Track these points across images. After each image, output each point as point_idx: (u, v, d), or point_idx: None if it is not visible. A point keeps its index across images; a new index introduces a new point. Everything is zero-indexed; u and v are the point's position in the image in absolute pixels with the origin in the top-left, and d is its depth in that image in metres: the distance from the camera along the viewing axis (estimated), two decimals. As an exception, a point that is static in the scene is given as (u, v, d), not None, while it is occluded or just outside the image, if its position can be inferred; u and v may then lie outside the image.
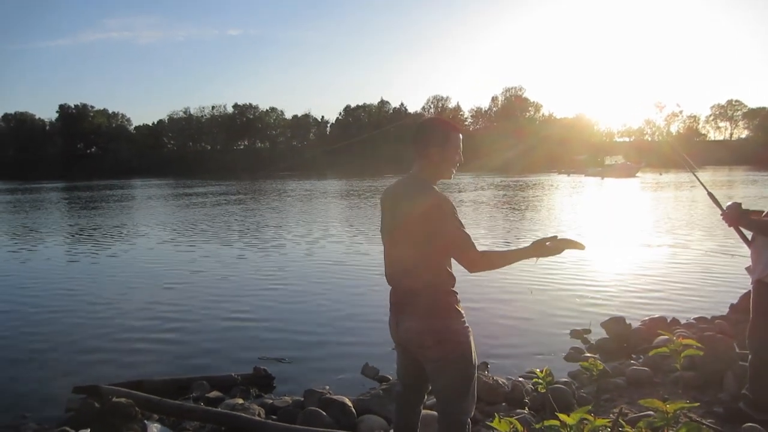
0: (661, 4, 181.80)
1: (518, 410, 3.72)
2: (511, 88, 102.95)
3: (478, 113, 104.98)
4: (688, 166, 3.76)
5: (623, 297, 7.07)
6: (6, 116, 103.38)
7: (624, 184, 36.65)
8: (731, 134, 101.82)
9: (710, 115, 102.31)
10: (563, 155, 62.39)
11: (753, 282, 3.27)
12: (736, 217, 3.23)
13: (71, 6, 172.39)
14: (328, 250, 11.42)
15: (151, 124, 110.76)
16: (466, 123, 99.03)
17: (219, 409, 3.88)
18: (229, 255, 11.19)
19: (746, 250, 3.39)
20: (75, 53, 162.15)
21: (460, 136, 2.41)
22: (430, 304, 2.28)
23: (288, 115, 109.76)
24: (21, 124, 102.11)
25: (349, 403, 3.79)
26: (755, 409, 3.23)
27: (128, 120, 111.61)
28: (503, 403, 3.89)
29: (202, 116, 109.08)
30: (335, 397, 3.87)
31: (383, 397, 3.84)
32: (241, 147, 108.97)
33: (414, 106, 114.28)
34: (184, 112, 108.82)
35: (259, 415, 3.84)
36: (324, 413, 3.66)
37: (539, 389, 2.84)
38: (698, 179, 3.69)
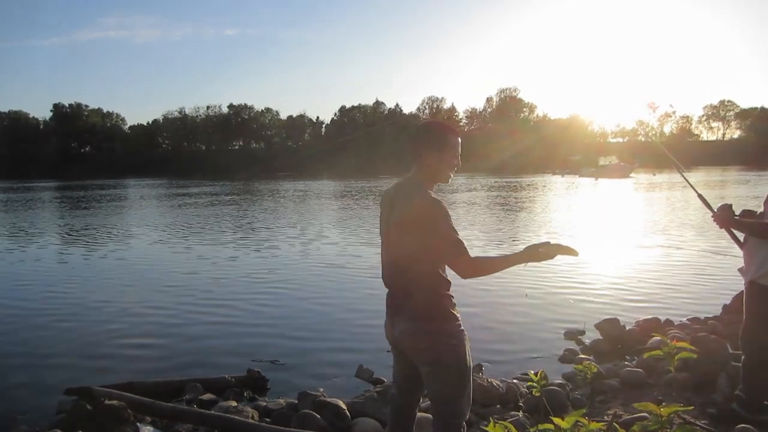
0: (654, 6, 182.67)
1: (513, 412, 3.72)
2: (506, 89, 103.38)
3: (472, 114, 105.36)
4: (677, 168, 3.77)
5: (617, 298, 7.09)
6: None
7: (618, 185, 36.81)
8: (724, 134, 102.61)
9: (703, 116, 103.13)
10: (557, 156, 62.62)
11: (746, 283, 3.28)
12: (727, 218, 3.24)
13: (67, 4, 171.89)
14: (322, 252, 11.40)
15: (145, 124, 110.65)
16: (461, 124, 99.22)
17: (212, 412, 3.86)
18: (222, 256, 11.15)
19: (738, 251, 3.40)
20: (70, 52, 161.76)
21: (459, 139, 2.41)
22: (425, 307, 2.28)
23: (283, 116, 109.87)
24: (15, 122, 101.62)
25: (344, 406, 3.78)
26: (748, 410, 3.24)
27: (123, 119, 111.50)
28: (498, 405, 3.88)
29: (197, 116, 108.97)
30: (329, 399, 3.86)
31: (378, 400, 3.83)
32: (236, 147, 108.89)
33: (409, 107, 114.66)
34: (179, 112, 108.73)
35: (252, 417, 3.82)
36: (318, 416, 3.65)
37: (534, 392, 2.83)
38: (687, 181, 3.69)
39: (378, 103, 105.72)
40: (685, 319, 5.83)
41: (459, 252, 2.22)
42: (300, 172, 73.19)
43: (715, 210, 3.33)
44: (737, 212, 3.31)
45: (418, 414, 2.65)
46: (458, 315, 2.32)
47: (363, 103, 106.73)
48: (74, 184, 54.44)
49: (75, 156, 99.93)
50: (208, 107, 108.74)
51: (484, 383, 3.96)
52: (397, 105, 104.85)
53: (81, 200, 30.86)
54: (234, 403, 4.10)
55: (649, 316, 5.79)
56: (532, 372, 2.83)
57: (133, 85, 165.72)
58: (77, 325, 6.42)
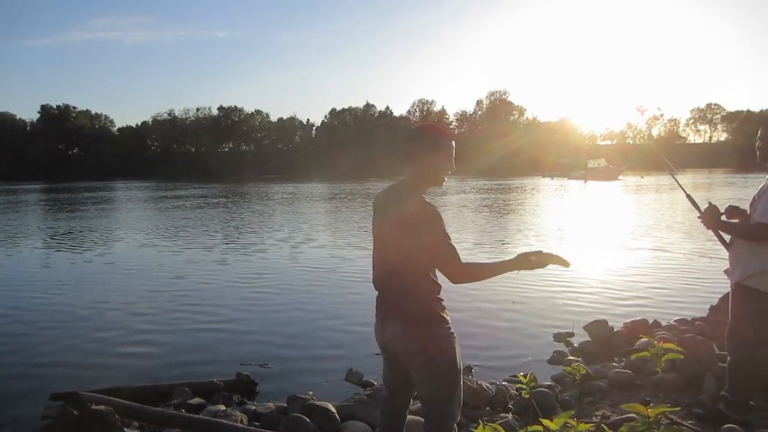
0: (642, 11, 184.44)
1: (502, 414, 3.73)
2: (496, 92, 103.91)
3: (463, 117, 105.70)
4: (668, 169, 3.81)
5: (605, 300, 7.14)
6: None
7: (606, 187, 37.07)
8: (710, 137, 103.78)
9: (690, 119, 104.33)
10: (547, 158, 62.96)
11: (732, 285, 3.31)
12: (713, 219, 3.27)
13: (57, 6, 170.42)
14: (311, 255, 11.36)
15: (134, 126, 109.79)
16: (452, 126, 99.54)
17: (201, 416, 3.83)
18: (210, 260, 11.08)
19: (724, 253, 3.43)
20: (59, 53, 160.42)
21: (453, 143, 2.40)
22: (415, 311, 2.28)
23: (273, 118, 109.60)
24: (1, 124, 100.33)
25: (333, 409, 3.76)
26: (734, 410, 3.27)
27: (111, 121, 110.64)
28: (487, 407, 3.89)
29: (186, 118, 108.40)
30: (319, 403, 3.84)
31: (367, 403, 3.82)
32: (226, 149, 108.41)
33: (400, 110, 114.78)
34: (169, 114, 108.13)
35: (241, 421, 3.79)
36: (307, 419, 3.63)
37: (523, 394, 2.84)
38: (677, 182, 3.73)
39: (368, 106, 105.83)
40: (672, 321, 5.88)
41: (451, 257, 2.21)
42: (290, 174, 73.05)
43: (702, 210, 3.36)
44: (723, 210, 3.35)
45: (410, 417, 2.65)
46: (448, 318, 2.33)
47: (353, 106, 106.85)
48: (61, 186, 53.91)
49: (63, 158, 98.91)
50: (198, 109, 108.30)
51: (473, 385, 3.96)
52: (387, 107, 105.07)
53: (67, 203, 30.57)
54: (223, 407, 4.08)
55: (637, 318, 5.83)
56: (521, 374, 2.84)
57: (122, 86, 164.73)
58: (63, 330, 6.34)
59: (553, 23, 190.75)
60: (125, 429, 3.65)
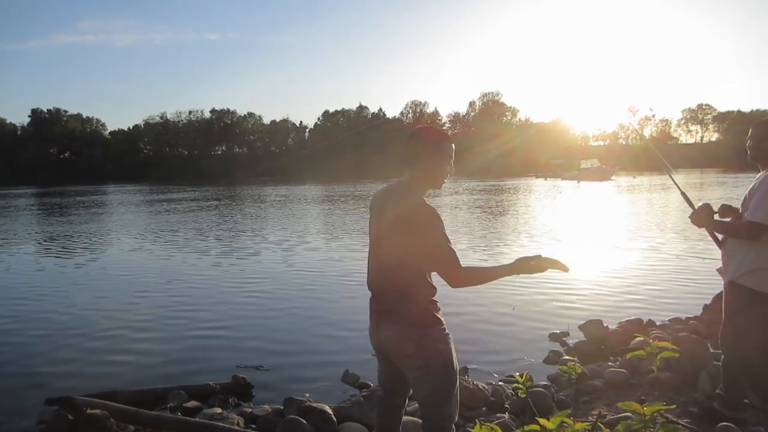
0: (633, 11, 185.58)
1: (498, 414, 3.73)
2: (489, 93, 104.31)
3: (456, 118, 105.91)
4: (664, 167, 3.83)
5: (600, 300, 7.17)
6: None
7: (599, 188, 37.24)
8: (702, 137, 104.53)
9: (681, 119, 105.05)
10: (540, 159, 63.22)
11: (725, 283, 3.33)
12: (705, 218, 3.30)
13: (44, 7, 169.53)
14: (306, 258, 11.35)
15: (126, 129, 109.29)
16: (445, 128, 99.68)
17: (197, 419, 3.82)
18: (204, 263, 11.04)
19: (717, 252, 3.46)
20: (48, 56, 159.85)
21: (453, 146, 2.41)
22: (410, 313, 2.28)
23: (266, 120, 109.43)
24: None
25: (330, 411, 3.76)
26: (729, 408, 3.29)
27: (103, 125, 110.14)
28: (483, 408, 3.89)
29: (179, 121, 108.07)
30: (315, 404, 3.83)
31: (364, 404, 3.82)
32: (219, 152, 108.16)
33: (393, 112, 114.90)
34: (161, 117, 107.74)
35: (238, 424, 3.78)
36: (304, 421, 3.63)
37: (519, 393, 2.85)
38: (673, 179, 3.76)
39: (361, 108, 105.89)
40: (667, 320, 5.91)
41: (451, 261, 2.21)
42: (283, 176, 72.88)
43: (695, 208, 3.38)
44: (716, 209, 3.38)
45: (407, 418, 2.65)
46: (443, 319, 2.33)
47: (346, 108, 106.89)
48: (52, 190, 53.57)
49: (54, 162, 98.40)
50: (190, 112, 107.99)
51: (469, 386, 3.97)
52: (380, 109, 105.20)
53: (59, 207, 30.37)
54: (219, 410, 4.06)
55: (632, 317, 5.87)
56: (518, 374, 2.85)
57: (113, 90, 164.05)
58: (57, 335, 6.30)
59: (545, 24, 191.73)
60: (121, 433, 3.63)
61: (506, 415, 3.69)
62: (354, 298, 7.39)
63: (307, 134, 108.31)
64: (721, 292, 3.45)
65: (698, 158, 78.23)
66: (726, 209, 3.41)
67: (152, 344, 5.91)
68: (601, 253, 10.78)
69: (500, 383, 4.30)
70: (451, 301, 6.54)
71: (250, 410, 4.09)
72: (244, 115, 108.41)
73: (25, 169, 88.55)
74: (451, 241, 2.23)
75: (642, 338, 2.68)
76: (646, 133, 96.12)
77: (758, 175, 3.17)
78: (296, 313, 7.07)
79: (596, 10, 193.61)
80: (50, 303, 7.88)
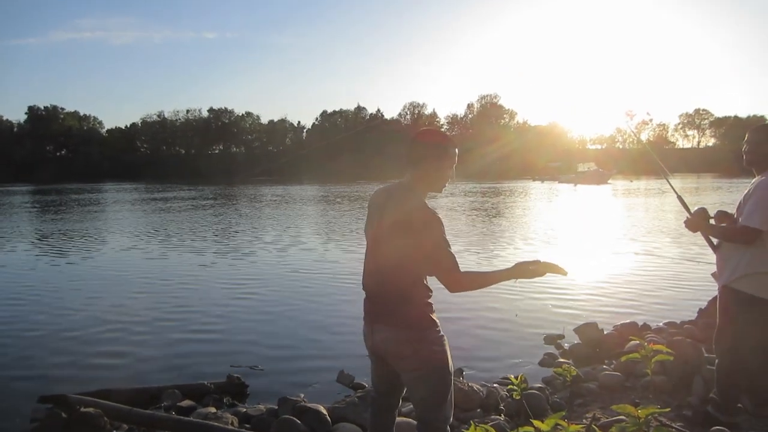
0: (632, 16, 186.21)
1: (493, 416, 3.73)
2: (487, 96, 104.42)
3: (453, 120, 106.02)
4: (661, 171, 3.84)
5: (596, 303, 7.18)
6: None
7: (596, 191, 37.31)
8: (699, 142, 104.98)
9: (679, 124, 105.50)
10: (538, 162, 63.33)
11: (719, 287, 3.34)
12: (700, 222, 3.31)
13: (42, 4, 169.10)
14: (301, 257, 11.34)
15: (123, 128, 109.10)
16: (442, 129, 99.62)
17: (191, 419, 3.81)
18: (200, 262, 11.02)
19: (712, 257, 3.47)
20: (46, 53, 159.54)
21: (456, 150, 2.40)
22: (406, 315, 2.27)
23: (264, 120, 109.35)
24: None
25: (324, 411, 3.75)
26: (723, 412, 3.29)
27: (100, 123, 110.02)
28: (478, 410, 3.89)
29: (176, 120, 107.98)
30: (310, 405, 3.83)
31: (358, 405, 3.82)
32: (216, 151, 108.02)
33: (391, 113, 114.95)
34: (158, 116, 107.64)
35: (232, 424, 3.77)
36: (299, 421, 3.62)
37: (514, 395, 2.86)
38: (670, 183, 3.77)
39: (359, 108, 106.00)
40: (661, 324, 5.92)
41: (451, 266, 2.21)
42: (281, 176, 72.79)
43: (691, 213, 3.39)
44: (712, 215, 3.39)
45: (401, 418, 2.65)
46: (438, 321, 2.33)
47: (344, 108, 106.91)
48: (48, 188, 53.40)
49: (50, 159, 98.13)
50: (187, 111, 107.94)
51: (464, 388, 3.97)
52: (378, 110, 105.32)
53: (55, 204, 30.28)
54: (213, 410, 4.05)
55: (627, 321, 5.88)
56: (512, 376, 2.85)
57: (110, 88, 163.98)
58: (51, 333, 6.28)
59: (543, 28, 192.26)
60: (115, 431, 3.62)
61: (501, 417, 3.69)
62: (349, 299, 7.37)
63: (304, 134, 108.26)
64: (716, 296, 3.46)
65: (695, 163, 78.46)
66: (722, 215, 3.42)
67: (147, 343, 5.89)
68: (596, 257, 10.80)
69: (495, 385, 4.30)
70: (446, 304, 6.53)
71: (245, 410, 4.08)
72: (242, 114, 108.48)
73: (22, 166, 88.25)
74: (451, 245, 2.23)
75: (637, 341, 2.69)
76: (644, 137, 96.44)
77: (753, 180, 3.19)
78: (291, 313, 7.06)
79: (594, 15, 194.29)
80: (44, 301, 7.85)
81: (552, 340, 5.72)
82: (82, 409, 3.61)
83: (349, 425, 3.65)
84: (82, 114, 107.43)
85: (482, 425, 1.85)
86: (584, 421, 3.48)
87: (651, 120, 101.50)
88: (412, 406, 3.05)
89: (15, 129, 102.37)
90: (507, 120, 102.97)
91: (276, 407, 3.98)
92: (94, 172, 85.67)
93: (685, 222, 3.38)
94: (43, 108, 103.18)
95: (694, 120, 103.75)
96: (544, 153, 70.60)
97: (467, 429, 1.83)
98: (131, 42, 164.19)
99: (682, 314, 6.33)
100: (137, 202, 32.30)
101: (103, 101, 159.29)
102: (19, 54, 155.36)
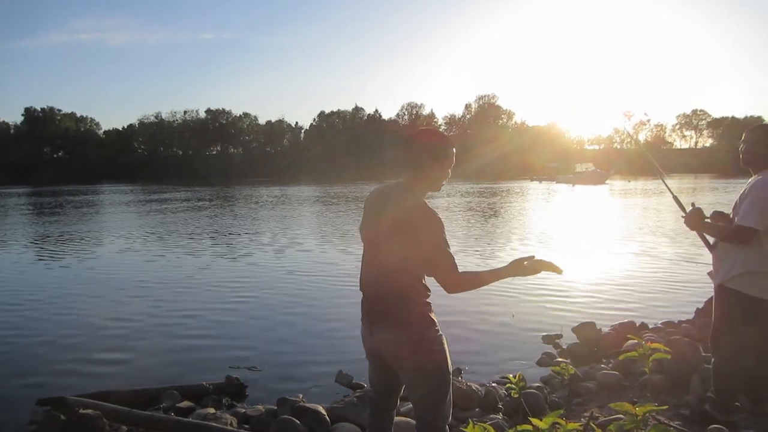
0: (630, 16, 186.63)
1: (492, 415, 3.75)
2: (484, 96, 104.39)
3: (451, 120, 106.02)
4: (657, 171, 3.86)
5: (593, 303, 7.20)
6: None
7: (594, 192, 37.36)
8: (696, 143, 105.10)
9: (676, 124, 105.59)
10: (535, 162, 63.35)
11: (715, 286, 3.36)
12: (697, 221, 3.32)
13: (38, 6, 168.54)
14: (299, 258, 11.34)
15: (121, 129, 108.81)
16: (440, 130, 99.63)
17: (190, 420, 3.81)
18: (198, 263, 11.01)
19: (709, 256, 3.48)
20: (42, 54, 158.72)
21: (454, 150, 2.41)
22: (405, 314, 2.28)
23: (261, 121, 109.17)
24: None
25: (323, 411, 3.76)
26: (720, 411, 3.31)
27: (97, 124, 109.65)
28: (477, 409, 3.91)
29: (173, 121, 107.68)
30: (309, 405, 3.84)
31: (357, 405, 3.82)
32: (214, 152, 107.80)
33: (388, 113, 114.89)
34: (156, 117, 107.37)
35: (231, 424, 3.78)
36: (298, 422, 3.63)
37: (512, 394, 2.86)
38: (665, 184, 3.79)
39: (357, 109, 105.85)
40: (659, 323, 5.94)
41: (449, 266, 2.21)
42: (279, 177, 72.70)
43: (687, 212, 3.40)
44: (708, 215, 3.40)
45: (400, 418, 2.66)
46: (436, 320, 2.34)
47: (342, 109, 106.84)
48: (45, 189, 53.26)
49: (47, 161, 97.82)
50: (185, 112, 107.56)
51: (463, 387, 3.98)
52: (376, 111, 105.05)
53: (52, 206, 30.20)
54: (212, 411, 4.06)
55: (625, 320, 5.90)
56: (511, 375, 2.86)
57: (107, 89, 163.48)
58: (49, 335, 6.26)
59: (541, 28, 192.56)
60: (113, 433, 3.62)
61: (499, 416, 3.70)
62: (347, 300, 7.36)
63: (302, 135, 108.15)
64: (713, 295, 3.47)
65: (692, 163, 78.53)
66: (718, 216, 3.44)
67: (145, 344, 5.89)
68: (594, 257, 10.82)
69: (493, 384, 4.31)
70: (444, 303, 6.52)
71: (244, 410, 4.09)
72: (240, 115, 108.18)
73: (19, 168, 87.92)
74: (450, 245, 2.23)
75: (635, 340, 2.69)
76: (641, 137, 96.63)
77: (750, 180, 3.20)
78: (290, 313, 7.06)
79: (591, 15, 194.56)
80: (41, 304, 7.83)
81: (550, 339, 5.73)
82: (81, 411, 3.62)
83: (348, 425, 3.66)
84: (79, 115, 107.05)
85: (481, 424, 1.85)
86: (582, 419, 3.49)
87: (649, 120, 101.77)
88: (411, 405, 3.05)
89: (12, 131, 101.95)
90: (505, 120, 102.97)
91: (275, 407, 3.99)
92: (91, 174, 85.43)
93: (683, 217, 3.39)
94: (39, 109, 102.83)
95: (692, 120, 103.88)
96: (542, 153, 70.58)
97: (466, 428, 1.83)
98: (128, 43, 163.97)
99: (679, 314, 6.35)
100: (134, 203, 32.24)
101: (100, 102, 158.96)
102: (16, 56, 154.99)
